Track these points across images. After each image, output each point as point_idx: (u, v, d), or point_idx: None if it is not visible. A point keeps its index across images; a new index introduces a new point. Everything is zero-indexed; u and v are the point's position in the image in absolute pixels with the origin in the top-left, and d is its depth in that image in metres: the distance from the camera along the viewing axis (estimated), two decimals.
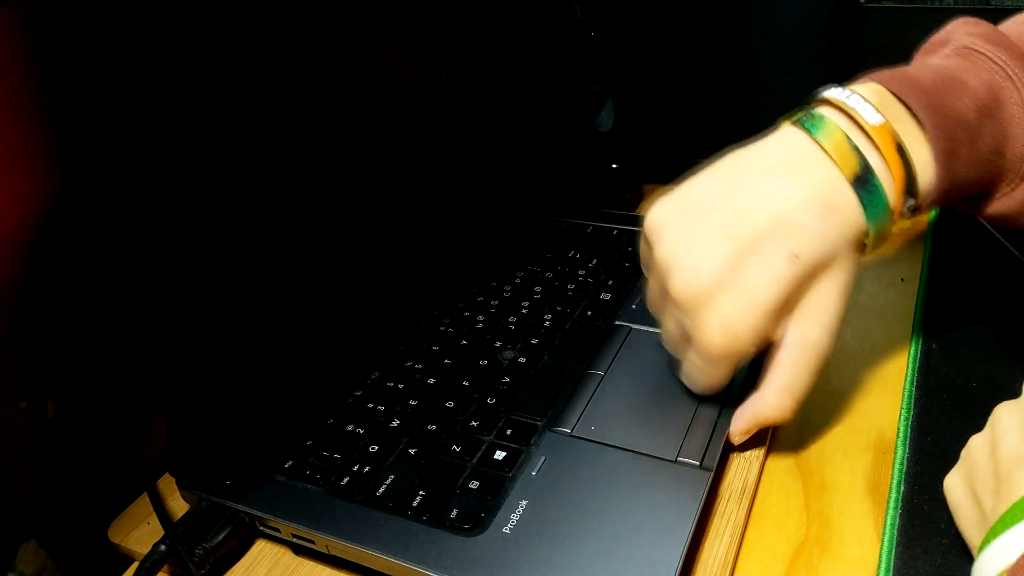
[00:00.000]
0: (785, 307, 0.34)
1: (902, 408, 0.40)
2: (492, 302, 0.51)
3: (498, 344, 0.46)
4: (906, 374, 0.42)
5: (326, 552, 0.36)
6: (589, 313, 0.48)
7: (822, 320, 0.34)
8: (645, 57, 0.63)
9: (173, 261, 0.42)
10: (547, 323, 0.48)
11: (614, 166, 0.63)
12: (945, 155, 0.33)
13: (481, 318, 0.49)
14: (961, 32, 0.37)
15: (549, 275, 0.53)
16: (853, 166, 0.33)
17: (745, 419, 0.37)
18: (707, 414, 0.39)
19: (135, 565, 0.37)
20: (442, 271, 0.55)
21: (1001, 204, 0.36)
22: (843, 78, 0.37)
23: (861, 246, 0.34)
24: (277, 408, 0.43)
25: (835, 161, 0.33)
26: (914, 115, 0.34)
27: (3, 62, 0.34)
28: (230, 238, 0.45)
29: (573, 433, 0.39)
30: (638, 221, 0.57)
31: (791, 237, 0.33)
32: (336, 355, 0.47)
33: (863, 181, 0.33)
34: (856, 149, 0.33)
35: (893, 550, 0.33)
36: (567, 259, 0.54)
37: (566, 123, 0.62)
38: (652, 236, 0.35)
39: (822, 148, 0.33)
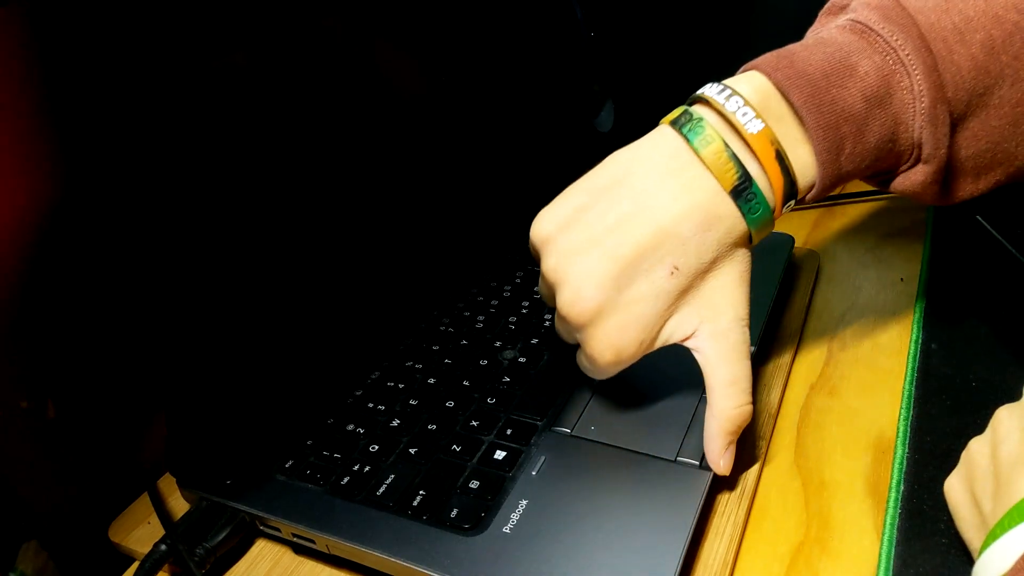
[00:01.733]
0: (666, 317, 0.34)
1: (902, 408, 0.40)
2: (492, 302, 0.51)
3: (498, 344, 0.46)
4: (906, 374, 0.42)
5: (326, 552, 0.36)
6: None
7: (726, 311, 0.34)
8: (645, 57, 0.63)
9: (173, 261, 0.42)
10: (547, 323, 0.48)
11: None
12: (827, 153, 0.33)
13: (481, 318, 0.49)
14: (860, 1, 0.35)
15: None
16: (731, 178, 0.32)
17: (715, 438, 0.35)
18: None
19: (135, 565, 0.37)
20: (442, 271, 0.55)
21: (900, 184, 0.36)
22: None
23: (746, 242, 0.34)
24: (277, 408, 0.43)
25: (713, 173, 0.33)
26: (795, 112, 0.33)
27: (3, 62, 0.34)
28: (230, 238, 0.45)
29: (573, 433, 0.39)
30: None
31: (671, 251, 0.33)
32: (336, 355, 0.47)
33: (742, 191, 0.33)
34: (734, 158, 0.32)
35: (892, 550, 0.33)
36: None
37: (566, 123, 0.62)
38: (538, 249, 0.35)
39: (700, 158, 0.33)
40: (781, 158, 0.33)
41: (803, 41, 0.36)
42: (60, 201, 0.37)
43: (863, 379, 0.43)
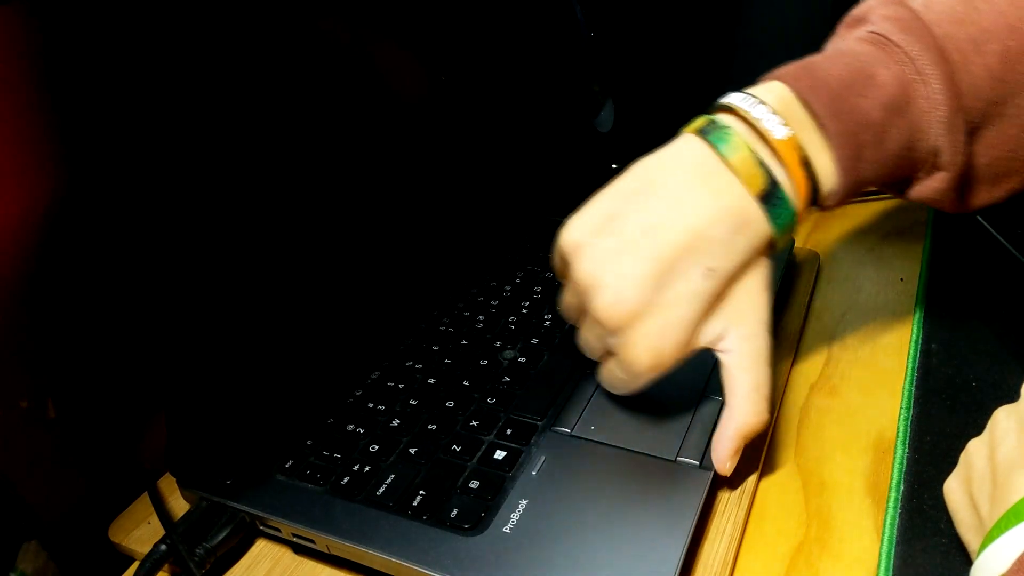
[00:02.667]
0: (702, 320, 0.34)
1: (902, 408, 0.40)
2: (492, 302, 0.51)
3: (498, 344, 0.46)
4: (906, 374, 0.42)
5: (326, 552, 0.36)
6: None
7: (753, 315, 0.35)
8: (645, 57, 0.63)
9: (173, 261, 0.42)
10: (547, 323, 0.48)
11: (614, 166, 0.63)
12: (848, 159, 0.34)
13: (481, 318, 0.49)
14: (877, 14, 0.36)
15: (549, 275, 0.53)
16: (760, 183, 0.33)
17: (728, 439, 0.35)
18: (707, 413, 0.39)
19: (136, 565, 0.37)
20: (442, 271, 0.55)
21: (918, 191, 0.37)
22: None
23: (770, 248, 0.35)
24: (277, 408, 0.43)
25: (741, 179, 0.33)
26: (817, 120, 0.34)
27: (3, 62, 0.34)
28: (231, 238, 0.45)
29: (573, 433, 0.39)
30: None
31: (706, 253, 0.33)
32: (336, 355, 0.47)
33: (770, 196, 0.33)
34: (762, 165, 0.33)
35: (893, 549, 0.33)
36: None
37: (566, 123, 0.62)
38: (569, 255, 0.35)
39: (728, 165, 0.33)
40: (807, 164, 0.33)
41: (823, 52, 0.36)
42: (61, 201, 0.37)
43: (863, 379, 0.43)
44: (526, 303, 0.50)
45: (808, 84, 0.34)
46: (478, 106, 0.62)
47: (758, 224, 0.33)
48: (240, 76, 0.44)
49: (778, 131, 0.33)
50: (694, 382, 0.40)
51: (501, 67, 0.61)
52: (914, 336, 0.45)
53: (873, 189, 0.37)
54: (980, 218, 0.52)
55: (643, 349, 0.33)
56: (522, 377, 0.43)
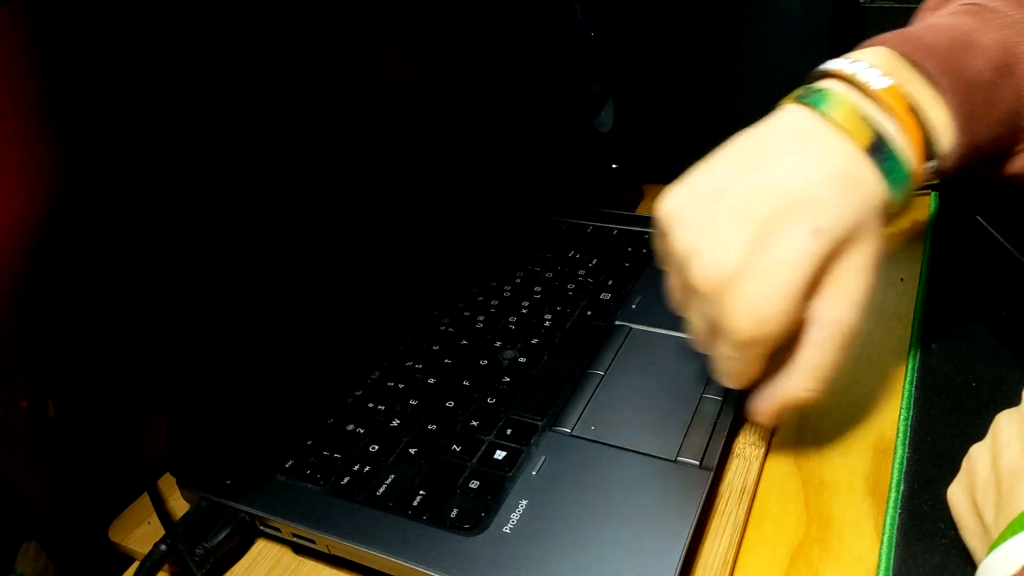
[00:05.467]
0: (812, 285, 0.32)
1: (902, 408, 0.40)
2: (492, 302, 0.51)
3: (498, 344, 0.46)
4: (906, 374, 0.42)
5: (326, 552, 0.36)
6: (589, 313, 0.48)
7: (848, 296, 0.32)
8: (645, 57, 0.63)
9: (173, 261, 0.42)
10: (547, 323, 0.48)
11: (614, 166, 0.63)
12: (964, 117, 0.32)
13: (481, 318, 0.49)
14: None
15: (549, 275, 0.53)
16: (866, 135, 0.32)
17: (772, 399, 0.35)
18: (707, 413, 0.39)
19: (136, 565, 0.37)
20: (442, 271, 0.55)
21: (1018, 164, 0.35)
22: None
23: (885, 215, 0.33)
24: (277, 408, 0.43)
25: (846, 132, 0.32)
26: (928, 77, 0.32)
27: (3, 62, 0.34)
28: (231, 238, 0.45)
29: (573, 433, 0.39)
30: (638, 221, 0.58)
31: (812, 212, 0.31)
32: (336, 355, 0.47)
33: (879, 149, 0.32)
34: (867, 117, 0.32)
35: (893, 550, 0.33)
36: (567, 259, 0.54)
37: (566, 123, 0.62)
38: (666, 226, 0.34)
39: (830, 121, 0.32)
40: (916, 111, 0.32)
41: (915, 27, 0.35)
42: (60, 201, 0.37)
43: (863, 379, 0.43)
44: (526, 303, 0.50)
45: (914, 46, 0.33)
46: (478, 106, 0.62)
47: (869, 181, 0.32)
48: (241, 76, 0.44)
49: (878, 82, 0.32)
50: (694, 382, 0.40)
51: (501, 67, 0.61)
52: (914, 336, 0.45)
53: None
54: (980, 218, 0.52)
55: (744, 315, 0.31)
56: (522, 377, 0.43)
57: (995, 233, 0.51)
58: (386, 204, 0.56)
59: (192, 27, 0.41)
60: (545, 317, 0.48)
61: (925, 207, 0.57)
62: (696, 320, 0.35)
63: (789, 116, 0.33)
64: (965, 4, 0.35)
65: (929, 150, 0.33)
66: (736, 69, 0.61)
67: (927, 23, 0.35)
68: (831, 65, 0.34)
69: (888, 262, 0.52)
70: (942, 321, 0.46)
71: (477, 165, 0.63)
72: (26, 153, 0.35)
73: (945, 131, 0.33)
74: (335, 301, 0.52)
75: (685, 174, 0.34)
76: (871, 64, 0.33)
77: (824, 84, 0.33)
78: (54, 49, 0.35)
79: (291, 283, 0.49)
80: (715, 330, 0.34)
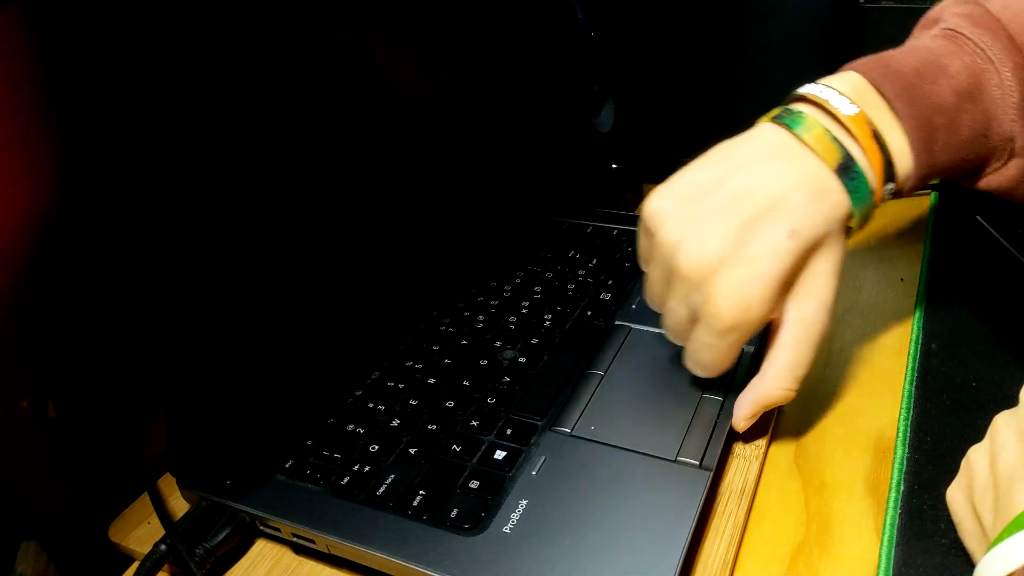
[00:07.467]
0: (788, 282, 0.35)
1: (902, 408, 0.40)
2: (492, 302, 0.51)
3: (498, 344, 0.46)
4: (906, 374, 0.42)
5: (326, 552, 0.36)
6: (589, 313, 0.48)
7: (818, 297, 0.35)
8: (645, 57, 0.63)
9: (173, 261, 0.42)
10: (547, 323, 0.48)
11: (614, 166, 0.63)
12: (921, 141, 0.35)
13: (481, 318, 0.49)
14: (950, 12, 0.38)
15: (549, 275, 0.53)
16: (835, 157, 0.34)
17: (749, 403, 0.37)
18: (707, 413, 0.39)
19: (135, 565, 0.37)
20: (442, 271, 0.55)
21: (992, 180, 0.38)
22: None
23: (847, 228, 0.36)
24: (277, 408, 0.43)
25: (817, 153, 0.35)
26: (888, 103, 0.35)
27: (3, 62, 0.34)
28: (231, 238, 0.45)
29: (573, 433, 0.39)
30: (638, 221, 0.58)
31: (787, 216, 0.34)
32: (336, 355, 0.47)
33: (847, 169, 0.34)
34: (836, 140, 0.35)
35: (893, 550, 0.33)
36: (567, 259, 0.54)
37: (566, 123, 0.62)
38: (652, 223, 0.36)
39: (803, 142, 0.35)
40: (878, 137, 0.35)
41: (898, 48, 0.38)
42: (61, 201, 0.37)
43: (863, 379, 0.43)
44: (526, 303, 0.50)
45: (881, 72, 0.36)
46: (478, 106, 0.62)
47: (836, 194, 0.35)
48: (241, 77, 0.44)
49: (847, 109, 0.35)
50: (694, 382, 0.40)
51: (501, 67, 0.61)
52: (914, 336, 0.45)
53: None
54: (980, 218, 0.52)
55: (727, 298, 0.34)
56: (522, 377, 0.43)
57: (995, 233, 0.51)
58: (386, 204, 0.56)
59: (193, 27, 0.41)
60: (545, 317, 0.48)
61: (925, 207, 0.57)
62: (676, 308, 0.37)
63: (767, 132, 0.36)
64: (945, 29, 0.38)
65: (888, 173, 0.35)
66: (736, 69, 0.61)
67: (909, 45, 0.39)
68: (806, 90, 0.36)
69: (888, 262, 0.52)
70: (942, 321, 0.46)
71: (477, 165, 0.63)
72: (26, 153, 0.35)
73: (903, 156, 0.36)
74: (335, 301, 0.52)
75: (670, 177, 0.37)
76: (841, 91, 0.35)
77: (799, 107, 0.36)
78: (54, 49, 0.35)
79: (291, 283, 0.49)
80: (696, 317, 0.36)
